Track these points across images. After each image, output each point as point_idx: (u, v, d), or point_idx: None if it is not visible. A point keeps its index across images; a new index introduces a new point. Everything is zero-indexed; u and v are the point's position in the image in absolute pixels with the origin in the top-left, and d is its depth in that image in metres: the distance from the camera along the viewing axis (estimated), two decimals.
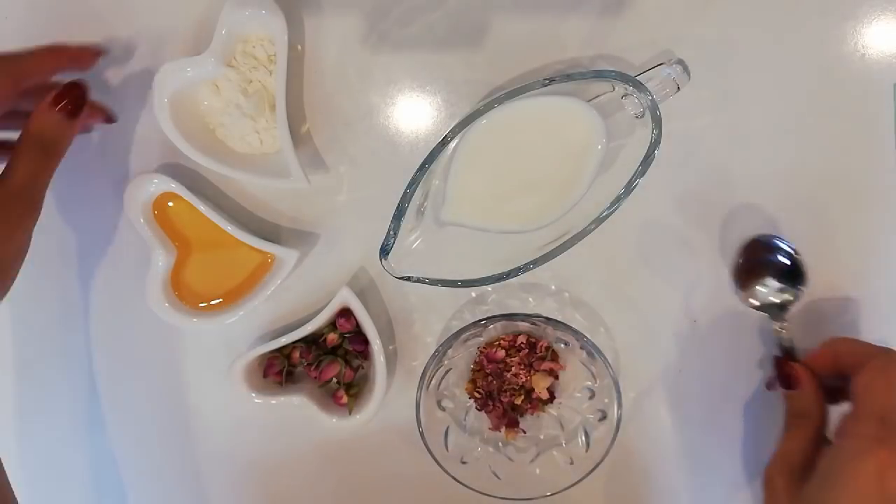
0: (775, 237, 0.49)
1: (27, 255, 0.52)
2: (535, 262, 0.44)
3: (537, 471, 0.50)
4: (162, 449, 0.54)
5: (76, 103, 0.41)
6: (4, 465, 0.41)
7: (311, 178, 0.48)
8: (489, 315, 0.48)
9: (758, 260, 0.49)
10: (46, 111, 0.40)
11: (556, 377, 0.51)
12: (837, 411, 0.43)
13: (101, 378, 0.53)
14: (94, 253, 0.52)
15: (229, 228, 0.48)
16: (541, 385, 0.50)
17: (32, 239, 0.52)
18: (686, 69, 0.44)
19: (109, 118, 0.48)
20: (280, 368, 0.50)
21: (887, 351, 0.40)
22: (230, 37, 0.46)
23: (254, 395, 0.49)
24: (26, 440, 0.54)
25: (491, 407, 0.51)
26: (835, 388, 0.43)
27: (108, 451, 0.54)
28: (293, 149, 0.46)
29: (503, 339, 0.51)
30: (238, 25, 0.46)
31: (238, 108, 0.47)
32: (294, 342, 0.50)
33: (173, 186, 0.47)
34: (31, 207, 0.40)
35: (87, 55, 0.46)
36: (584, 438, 0.49)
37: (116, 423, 0.54)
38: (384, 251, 0.42)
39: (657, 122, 0.42)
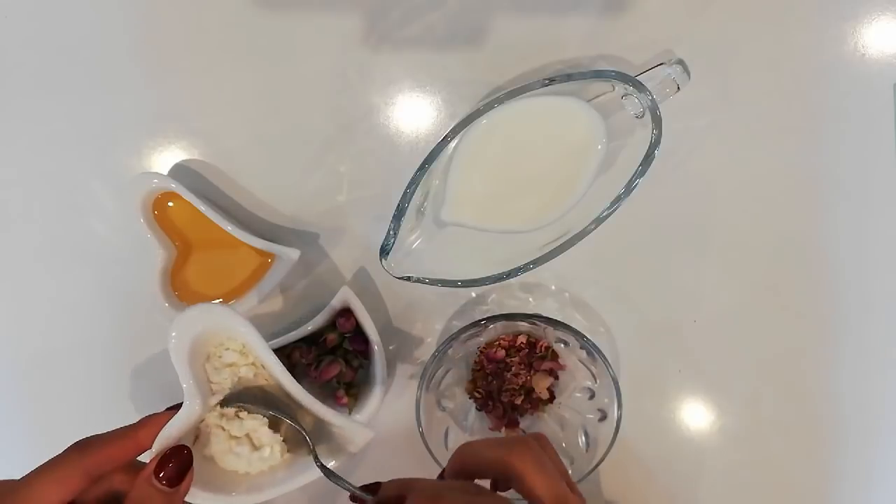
0: None
1: (25, 257, 0.52)
2: (535, 262, 0.44)
3: None
4: None
5: (179, 470, 0.36)
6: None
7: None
8: (489, 315, 0.48)
9: None
10: (147, 484, 0.36)
11: (556, 377, 0.51)
12: None
13: (100, 378, 0.53)
14: (93, 253, 0.52)
15: (229, 228, 0.47)
16: (541, 385, 0.50)
17: (31, 239, 0.53)
18: (686, 69, 0.44)
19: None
20: None
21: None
22: (194, 368, 0.39)
23: None
24: (23, 439, 0.54)
25: (491, 407, 0.51)
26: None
27: None
28: (343, 416, 0.41)
29: (503, 339, 0.51)
30: (194, 350, 0.39)
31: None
32: (294, 342, 0.50)
33: (173, 186, 0.47)
34: None
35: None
36: (584, 438, 0.49)
37: (116, 423, 0.53)
38: (384, 251, 0.42)
39: (657, 122, 0.42)
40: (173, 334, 0.37)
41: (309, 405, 0.41)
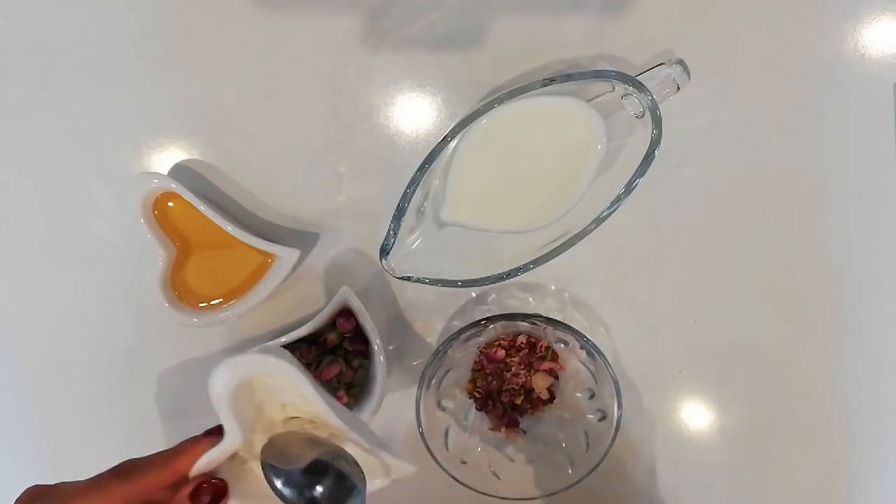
0: None
1: (25, 257, 0.52)
2: (535, 262, 0.44)
3: (537, 471, 0.50)
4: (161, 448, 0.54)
5: (214, 501, 0.37)
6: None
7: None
8: (489, 315, 0.48)
9: None
10: None
11: (556, 377, 0.51)
12: None
13: (101, 377, 0.53)
14: (93, 253, 0.52)
15: (229, 228, 0.47)
16: (541, 385, 0.50)
17: (31, 239, 0.53)
18: (686, 69, 0.44)
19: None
20: None
21: None
22: (237, 405, 0.36)
23: None
24: (25, 437, 0.54)
25: (491, 407, 0.51)
26: None
27: (108, 449, 0.54)
28: (383, 450, 0.39)
29: (503, 339, 0.51)
30: (240, 389, 0.36)
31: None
32: (294, 342, 0.50)
33: (173, 186, 0.47)
34: None
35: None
36: (584, 438, 0.49)
37: (117, 423, 0.54)
38: (384, 251, 0.42)
39: (657, 122, 0.42)
40: (214, 385, 0.36)
41: (348, 434, 0.39)
